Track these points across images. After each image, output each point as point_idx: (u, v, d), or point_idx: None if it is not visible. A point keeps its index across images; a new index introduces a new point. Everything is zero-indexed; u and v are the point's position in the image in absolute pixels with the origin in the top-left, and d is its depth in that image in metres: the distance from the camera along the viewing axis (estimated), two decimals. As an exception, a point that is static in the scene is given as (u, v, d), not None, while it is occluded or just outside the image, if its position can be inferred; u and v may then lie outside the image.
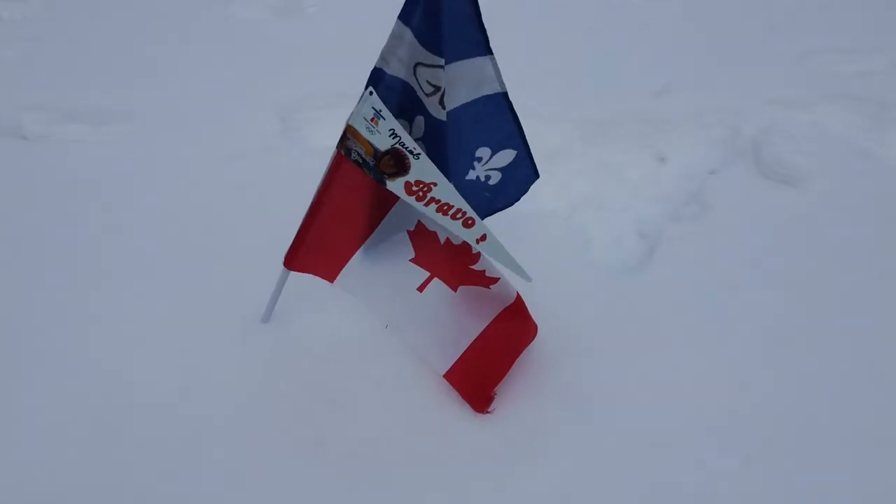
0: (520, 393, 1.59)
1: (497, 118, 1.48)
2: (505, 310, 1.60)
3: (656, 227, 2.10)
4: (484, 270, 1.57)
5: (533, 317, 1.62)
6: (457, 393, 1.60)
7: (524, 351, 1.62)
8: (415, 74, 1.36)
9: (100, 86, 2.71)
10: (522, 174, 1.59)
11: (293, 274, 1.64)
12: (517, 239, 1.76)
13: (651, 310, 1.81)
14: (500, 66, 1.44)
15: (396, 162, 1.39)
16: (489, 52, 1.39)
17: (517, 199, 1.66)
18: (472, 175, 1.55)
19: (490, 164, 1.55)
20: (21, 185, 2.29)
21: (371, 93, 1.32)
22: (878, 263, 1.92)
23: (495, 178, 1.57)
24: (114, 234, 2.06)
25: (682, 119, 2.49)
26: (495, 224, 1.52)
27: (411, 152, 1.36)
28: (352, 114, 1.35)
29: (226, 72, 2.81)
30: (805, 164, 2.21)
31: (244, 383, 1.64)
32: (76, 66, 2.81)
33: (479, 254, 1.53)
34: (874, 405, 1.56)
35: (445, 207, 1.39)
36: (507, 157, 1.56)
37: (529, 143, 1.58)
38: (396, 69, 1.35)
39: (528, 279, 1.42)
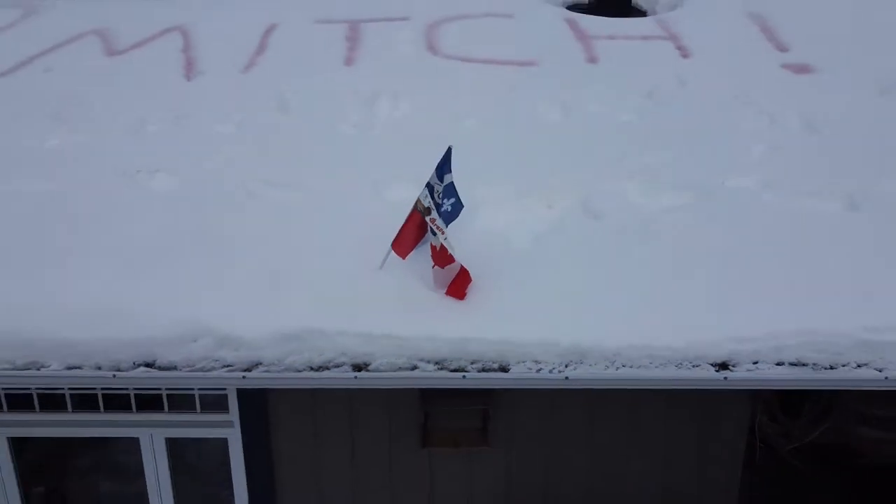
0: (476, 294, 4.36)
1: (451, 189, 4.23)
2: (461, 271, 4.36)
3: (541, 236, 4.85)
4: (453, 257, 4.32)
5: (476, 271, 4.35)
6: (451, 296, 4.35)
7: (472, 282, 4.38)
8: (432, 183, 4.18)
9: (281, 172, 5.50)
10: (458, 206, 4.32)
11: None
12: (477, 240, 4.56)
13: (533, 268, 4.56)
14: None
15: (426, 212, 4.21)
16: (450, 170, 4.19)
17: (457, 217, 4.35)
18: (444, 207, 4.27)
19: (448, 203, 4.28)
20: (256, 220, 5.04)
21: (427, 187, 4.14)
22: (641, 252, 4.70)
23: (449, 207, 4.29)
24: (308, 245, 4.81)
25: (562, 188, 5.25)
26: (474, 238, 4.35)
27: (429, 209, 4.16)
28: (419, 195, 4.16)
29: (340, 162, 5.57)
30: (607, 211, 4.99)
31: (371, 293, 4.39)
32: (269, 164, 5.59)
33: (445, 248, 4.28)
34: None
35: (435, 227, 4.19)
36: (453, 200, 4.26)
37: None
38: (434, 182, 4.16)
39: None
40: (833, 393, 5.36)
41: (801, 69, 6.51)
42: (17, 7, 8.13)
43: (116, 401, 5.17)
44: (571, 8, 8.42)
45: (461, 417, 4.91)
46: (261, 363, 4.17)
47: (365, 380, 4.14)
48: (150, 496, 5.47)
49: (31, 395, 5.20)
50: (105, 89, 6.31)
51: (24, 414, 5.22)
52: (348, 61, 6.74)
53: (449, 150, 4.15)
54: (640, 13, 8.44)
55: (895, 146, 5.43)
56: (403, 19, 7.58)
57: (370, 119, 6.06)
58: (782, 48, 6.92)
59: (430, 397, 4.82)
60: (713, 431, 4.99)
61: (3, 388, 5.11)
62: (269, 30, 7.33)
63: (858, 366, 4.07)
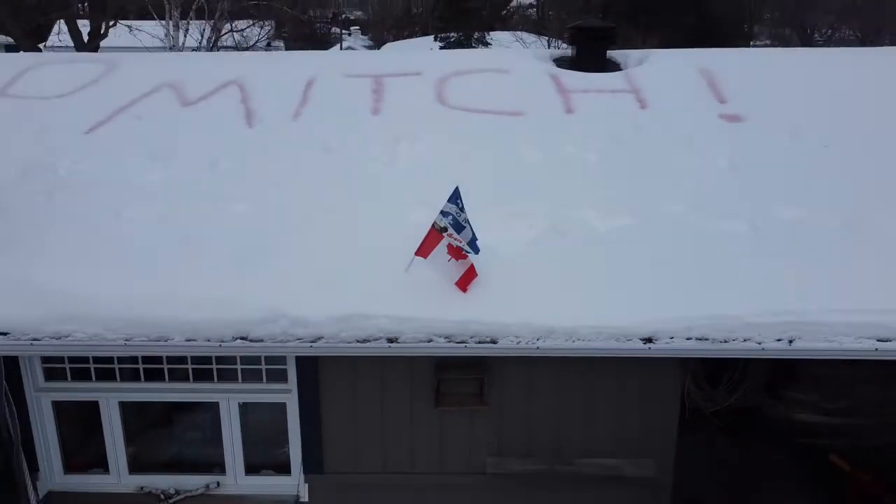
0: (475, 288, 6.07)
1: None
2: (470, 267, 6.10)
3: (522, 248, 6.56)
4: (466, 256, 6.06)
5: (478, 269, 6.08)
6: (458, 287, 6.05)
7: (475, 278, 6.11)
8: (447, 210, 5.91)
9: (327, 199, 7.23)
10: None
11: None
12: (484, 247, 6.28)
13: (516, 271, 6.27)
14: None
15: (442, 230, 5.94)
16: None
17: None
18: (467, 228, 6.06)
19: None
20: (312, 235, 6.77)
21: (441, 213, 5.86)
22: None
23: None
24: (352, 253, 6.55)
25: (539, 213, 6.97)
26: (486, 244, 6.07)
27: (444, 227, 5.89)
28: (436, 218, 5.88)
29: (371, 192, 7.30)
30: (572, 230, 6.71)
31: (399, 287, 6.09)
32: (318, 193, 7.34)
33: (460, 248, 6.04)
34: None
35: (454, 239, 5.93)
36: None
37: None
38: (448, 209, 5.87)
39: (477, 252, 5.94)
40: (745, 368, 7.08)
41: (733, 118, 8.24)
42: (99, 62, 9.94)
43: (201, 374, 6.90)
44: (558, 60, 10.18)
45: (465, 384, 6.62)
46: (322, 337, 5.88)
47: (396, 349, 5.85)
48: (224, 448, 7.17)
49: (138, 369, 6.95)
50: (186, 134, 8.07)
51: (133, 383, 6.96)
52: (375, 111, 8.49)
53: (457, 189, 5.87)
54: (615, 66, 10.19)
55: (792, 181, 7.14)
56: (417, 74, 9.35)
57: (393, 158, 7.76)
58: (722, 100, 8.64)
59: (441, 368, 6.53)
60: (653, 396, 6.68)
61: (119, 363, 6.86)
62: (310, 83, 9.10)
63: (744, 340, 5.76)
